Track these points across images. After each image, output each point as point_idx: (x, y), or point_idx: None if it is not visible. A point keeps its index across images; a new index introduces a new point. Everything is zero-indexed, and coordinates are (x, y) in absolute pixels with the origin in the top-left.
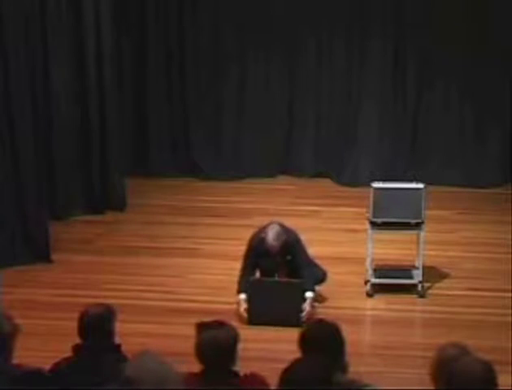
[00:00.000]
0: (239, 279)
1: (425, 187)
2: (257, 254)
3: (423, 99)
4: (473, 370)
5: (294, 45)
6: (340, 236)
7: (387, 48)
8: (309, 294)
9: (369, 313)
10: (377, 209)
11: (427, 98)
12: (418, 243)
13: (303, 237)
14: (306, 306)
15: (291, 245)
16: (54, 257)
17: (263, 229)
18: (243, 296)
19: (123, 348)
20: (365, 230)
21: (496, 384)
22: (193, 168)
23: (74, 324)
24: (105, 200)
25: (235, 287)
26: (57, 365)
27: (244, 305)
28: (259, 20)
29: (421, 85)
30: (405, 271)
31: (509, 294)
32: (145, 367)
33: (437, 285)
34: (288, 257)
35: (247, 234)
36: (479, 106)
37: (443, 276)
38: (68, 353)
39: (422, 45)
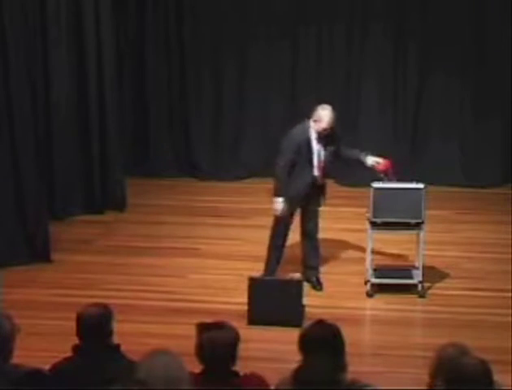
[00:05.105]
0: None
1: (425, 187)
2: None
3: (423, 99)
4: (471, 370)
5: (294, 46)
6: (340, 236)
7: (386, 47)
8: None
9: (369, 313)
10: (377, 209)
11: (428, 98)
12: (418, 243)
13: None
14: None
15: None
16: (53, 257)
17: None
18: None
19: (123, 348)
20: (365, 230)
21: (491, 383)
22: (193, 168)
23: (74, 324)
24: (105, 200)
25: (235, 287)
26: (57, 365)
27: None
28: (260, 15)
29: (421, 85)
30: (405, 271)
31: (509, 294)
32: (155, 368)
33: (437, 285)
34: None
35: (247, 234)
36: (480, 106)
37: (443, 276)
38: (68, 353)
39: (422, 45)
